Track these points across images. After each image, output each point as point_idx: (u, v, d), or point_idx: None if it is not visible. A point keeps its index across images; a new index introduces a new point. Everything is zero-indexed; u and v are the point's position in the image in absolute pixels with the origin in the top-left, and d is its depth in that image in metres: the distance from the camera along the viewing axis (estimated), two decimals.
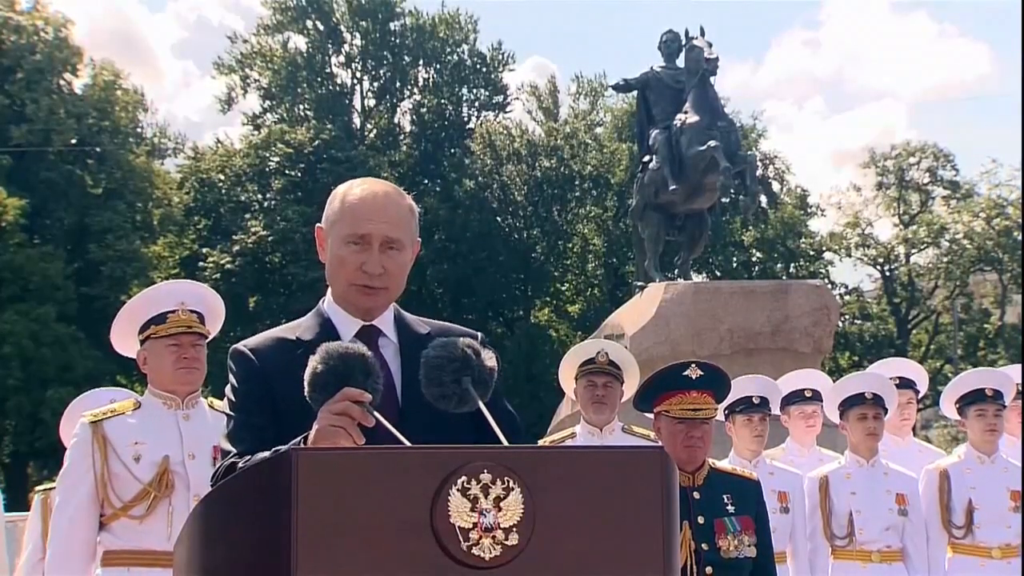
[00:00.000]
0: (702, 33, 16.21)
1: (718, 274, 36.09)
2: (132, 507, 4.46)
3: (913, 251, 39.29)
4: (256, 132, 37.68)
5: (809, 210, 40.00)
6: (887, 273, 39.80)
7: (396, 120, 39.56)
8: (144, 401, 4.67)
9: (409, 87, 39.38)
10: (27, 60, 31.71)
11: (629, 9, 68.71)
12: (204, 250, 34.33)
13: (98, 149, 32.57)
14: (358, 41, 38.65)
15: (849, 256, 39.76)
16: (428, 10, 39.80)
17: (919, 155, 39.83)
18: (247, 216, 34.98)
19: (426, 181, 36.76)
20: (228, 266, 33.27)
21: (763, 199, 33.99)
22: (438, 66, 38.89)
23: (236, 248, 33.60)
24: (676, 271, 17.22)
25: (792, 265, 38.24)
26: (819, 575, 6.04)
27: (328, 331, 2.80)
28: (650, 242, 16.75)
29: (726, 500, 4.37)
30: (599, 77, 39.29)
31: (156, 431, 4.54)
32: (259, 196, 36.26)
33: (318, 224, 2.91)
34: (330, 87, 38.97)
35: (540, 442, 5.59)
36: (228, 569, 2.26)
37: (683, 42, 16.62)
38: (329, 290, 2.89)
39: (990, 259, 37.49)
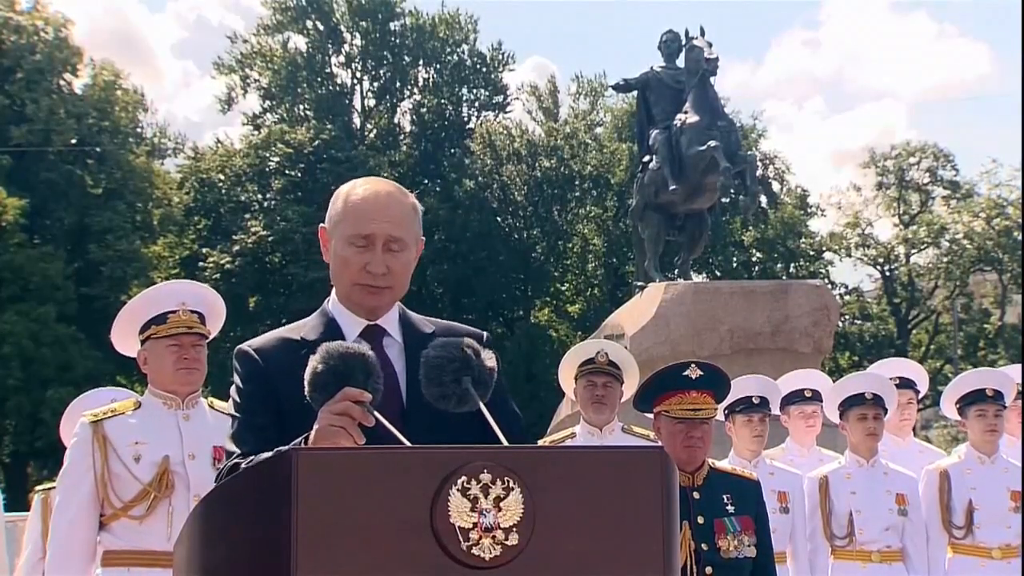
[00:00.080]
0: (702, 33, 16.21)
1: (718, 274, 36.08)
2: (132, 507, 4.46)
3: (913, 251, 39.30)
4: (256, 132, 37.68)
5: (809, 210, 40.01)
6: (887, 273, 39.80)
7: (396, 120, 39.57)
8: (144, 401, 4.67)
9: (409, 87, 39.39)
10: (27, 60, 31.71)
11: (629, 9, 68.74)
12: (204, 250, 34.34)
13: (98, 149, 32.57)
14: (358, 41, 38.65)
15: (849, 256, 39.77)
16: (428, 10, 39.89)
17: (919, 155, 39.83)
18: (247, 216, 34.98)
19: (426, 181, 36.77)
20: (228, 266, 33.27)
21: (763, 199, 34.04)
22: (438, 66, 38.90)
23: (236, 248, 33.61)
24: (676, 271, 17.23)
25: (792, 265, 38.25)
26: (819, 575, 6.04)
27: (332, 331, 2.79)
28: (650, 242, 16.75)
29: (726, 500, 4.38)
30: (599, 77, 39.34)
31: (156, 431, 4.54)
32: (259, 196, 36.27)
33: (321, 224, 2.90)
34: (330, 87, 38.97)
35: (540, 442, 5.59)
36: (228, 569, 2.26)
37: (683, 42, 16.62)
38: (333, 290, 2.89)
39: (990, 259, 37.49)
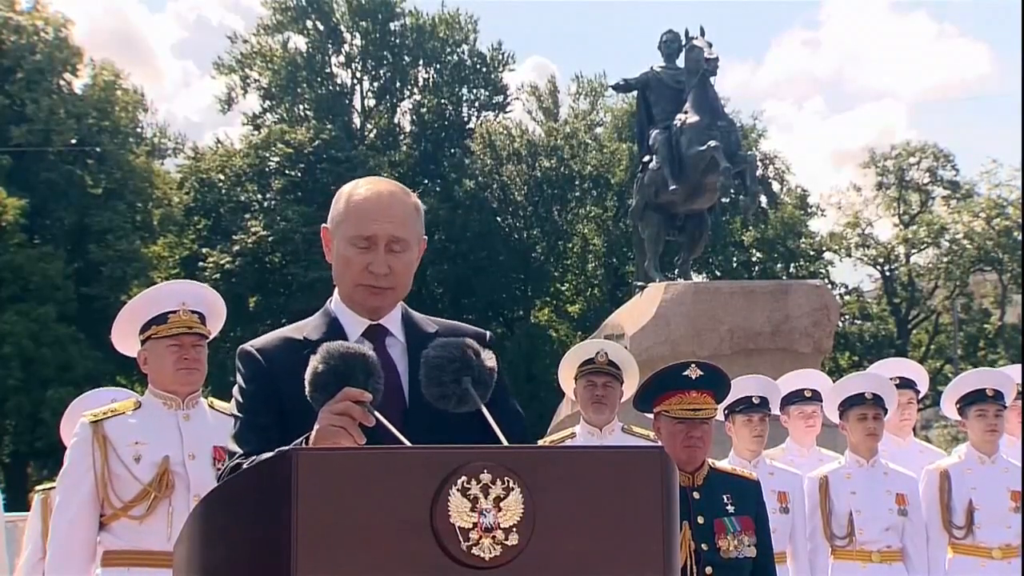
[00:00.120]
0: (702, 33, 16.21)
1: (718, 274, 36.08)
2: (132, 507, 4.45)
3: (913, 251, 39.30)
4: (256, 132, 37.68)
5: (809, 210, 40.01)
6: (887, 273, 39.80)
7: (396, 120, 39.57)
8: (144, 401, 4.67)
9: (409, 87, 39.39)
10: (27, 60, 31.71)
11: (629, 9, 68.75)
12: (204, 250, 34.34)
13: (98, 149, 32.57)
14: (358, 41, 38.66)
15: (849, 256, 39.77)
16: (428, 10, 39.88)
17: (919, 155, 39.83)
18: (247, 216, 34.99)
19: (426, 181, 36.77)
20: (228, 266, 33.27)
21: (763, 199, 34.05)
22: (438, 66, 38.90)
23: (236, 248, 33.61)
24: (676, 271, 17.23)
25: (792, 265, 38.25)
26: (819, 575, 6.04)
27: (335, 331, 2.80)
28: (650, 242, 16.75)
29: (726, 500, 4.38)
30: (599, 77, 39.33)
31: (156, 431, 4.54)
32: (259, 196, 36.27)
33: (324, 224, 2.89)
34: (330, 87, 38.97)
35: (540, 442, 5.59)
36: (228, 569, 2.26)
37: (683, 42, 16.62)
38: (336, 290, 2.89)
39: (990, 259, 37.48)
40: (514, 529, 2.13)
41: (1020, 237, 35.91)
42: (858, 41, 70.51)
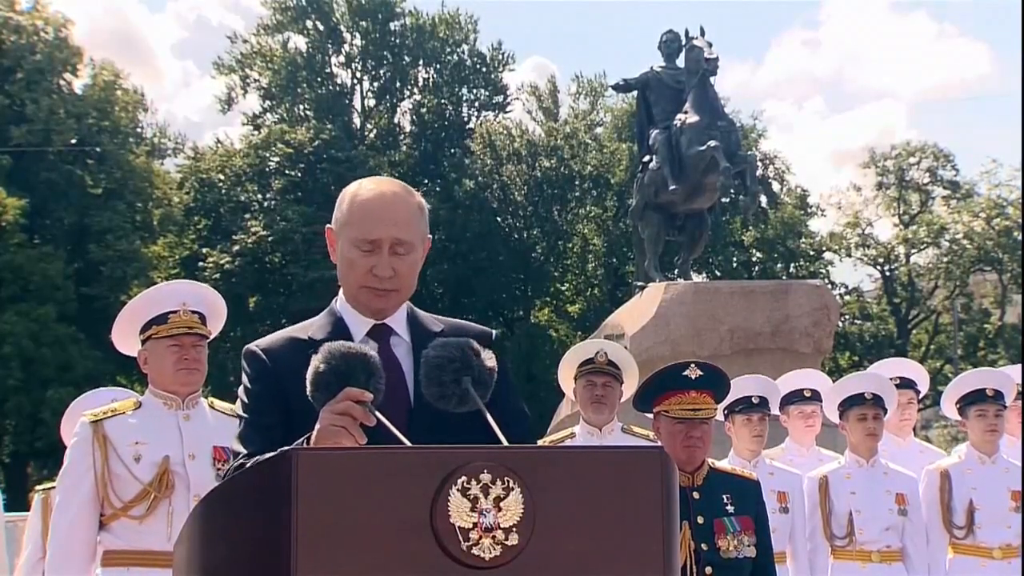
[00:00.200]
0: (702, 33, 16.21)
1: (718, 274, 36.08)
2: (132, 507, 4.45)
3: (913, 251, 39.30)
4: (256, 132, 37.68)
5: (809, 210, 40.01)
6: (887, 273, 39.80)
7: (396, 120, 39.58)
8: (144, 401, 4.67)
9: (409, 87, 39.39)
10: (27, 60, 31.72)
11: (629, 9, 68.75)
12: (204, 250, 34.34)
13: (98, 149, 32.57)
14: (358, 41, 38.66)
15: (849, 256, 39.78)
16: (428, 10, 39.88)
17: (919, 155, 39.83)
18: (247, 216, 34.99)
19: (426, 181, 36.77)
20: (228, 266, 33.26)
21: (763, 199, 34.05)
22: (438, 66, 38.90)
23: (236, 248, 33.61)
24: (676, 271, 17.23)
25: (792, 265, 38.25)
26: (819, 575, 6.04)
27: (340, 330, 2.80)
28: (650, 242, 16.76)
29: (726, 500, 4.37)
30: (599, 77, 39.33)
31: (156, 431, 4.54)
32: (259, 196, 36.27)
33: (328, 225, 2.89)
34: (330, 87, 38.97)
35: (540, 442, 5.59)
36: (228, 569, 2.26)
37: (683, 42, 16.62)
38: (341, 289, 2.89)
39: (990, 259, 37.48)
40: (514, 529, 2.13)
41: (1020, 237, 35.91)
42: (858, 41, 70.55)
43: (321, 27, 38.44)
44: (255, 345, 2.82)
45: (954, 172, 39.86)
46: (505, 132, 37.68)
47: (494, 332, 2.91)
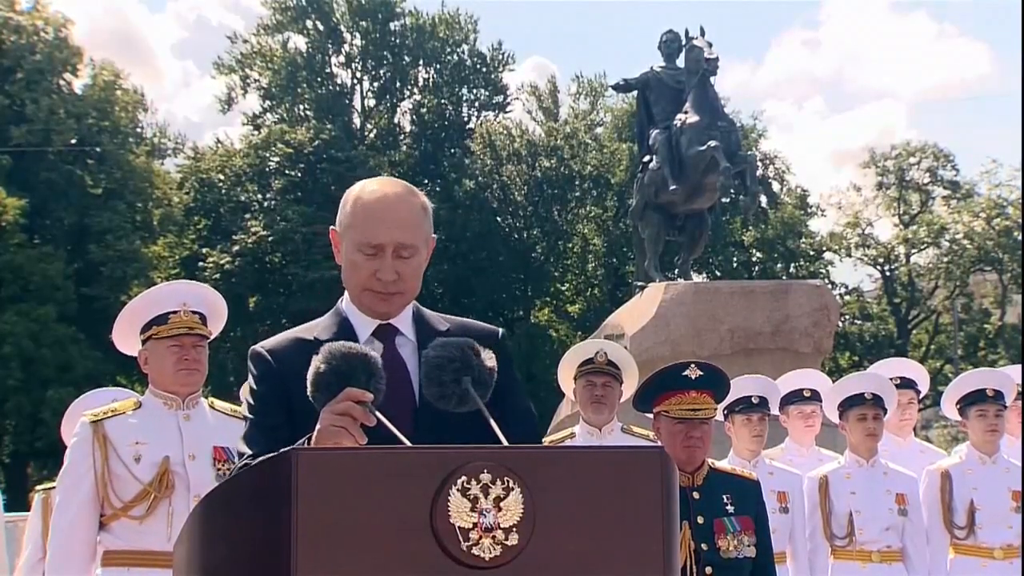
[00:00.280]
0: (702, 33, 16.21)
1: (718, 274, 36.09)
2: (132, 507, 4.45)
3: (913, 251, 39.30)
4: (256, 132, 37.68)
5: (809, 210, 40.01)
6: (887, 273, 39.80)
7: (396, 120, 39.58)
8: (145, 401, 4.67)
9: (409, 87, 39.40)
10: (27, 60, 31.72)
11: (629, 9, 68.75)
12: (204, 250, 34.34)
13: (98, 149, 32.57)
14: (358, 41, 38.66)
15: (849, 256, 39.78)
16: (428, 10, 39.88)
17: (919, 155, 39.84)
18: (247, 216, 34.99)
19: (426, 181, 36.77)
20: (228, 266, 33.26)
21: (763, 199, 34.05)
22: (438, 66, 38.90)
23: (236, 248, 33.61)
24: (676, 271, 17.24)
25: (792, 265, 38.25)
26: (819, 575, 6.04)
27: (346, 330, 2.79)
28: (650, 242, 16.76)
29: (726, 500, 4.37)
30: (599, 77, 39.33)
31: (157, 431, 4.54)
32: (259, 196, 36.27)
33: (332, 226, 2.88)
34: (330, 87, 38.98)
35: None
36: (228, 569, 2.26)
37: (683, 42, 16.62)
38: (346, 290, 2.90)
39: (990, 259, 37.49)
40: (514, 529, 2.13)
41: (1020, 237, 35.91)
42: (858, 41, 70.54)
43: (321, 27, 38.45)
44: (261, 346, 2.82)
45: (954, 172, 39.91)
46: (505, 132, 37.68)
47: (501, 331, 2.90)
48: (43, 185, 31.17)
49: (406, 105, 39.44)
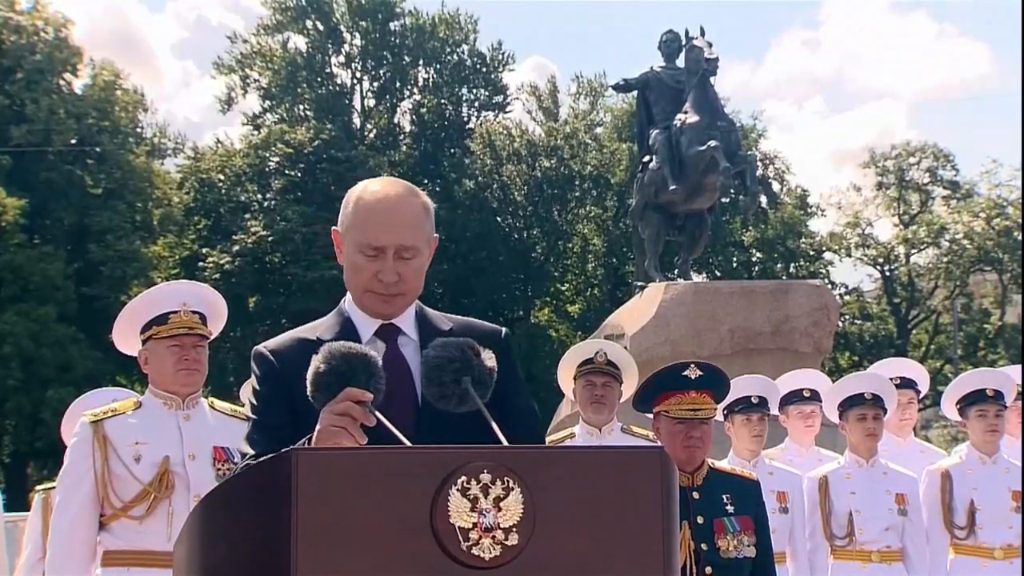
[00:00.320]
0: (702, 33, 16.22)
1: (718, 274, 36.10)
2: (132, 507, 4.45)
3: (913, 251, 39.31)
4: (256, 132, 37.69)
5: (809, 210, 40.02)
6: (887, 273, 39.81)
7: (396, 120, 39.59)
8: (145, 401, 4.66)
9: (409, 87, 39.40)
10: (27, 60, 31.72)
11: (629, 9, 68.75)
12: (204, 250, 34.34)
13: (98, 149, 32.58)
14: (358, 41, 38.66)
15: (849, 256, 39.79)
16: (428, 10, 39.88)
17: (919, 155, 39.84)
18: (247, 216, 34.99)
19: (426, 181, 36.77)
20: (228, 266, 33.27)
21: (763, 199, 34.05)
22: (438, 66, 38.91)
23: (236, 248, 33.61)
24: (676, 271, 17.24)
25: (792, 265, 38.26)
26: (819, 575, 6.04)
27: (348, 330, 2.79)
28: (650, 242, 16.76)
29: (725, 500, 4.37)
30: (599, 77, 39.35)
31: (157, 431, 4.54)
32: (259, 196, 36.27)
33: (334, 227, 2.88)
34: (330, 87, 38.98)
35: None
36: (228, 569, 2.26)
37: (683, 42, 16.63)
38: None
39: (990, 259, 37.49)
40: (514, 529, 2.13)
41: (1020, 237, 35.91)
42: (858, 41, 70.53)
43: (321, 27, 38.45)
44: (263, 346, 2.82)
45: (954, 172, 39.92)
46: (505, 132, 37.69)
47: (504, 330, 2.90)
48: (43, 185, 31.18)
49: (406, 105, 39.48)
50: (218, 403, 4.75)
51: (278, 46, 38.83)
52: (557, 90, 40.10)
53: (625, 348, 7.37)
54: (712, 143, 15.29)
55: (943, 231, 38.13)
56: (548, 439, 6.56)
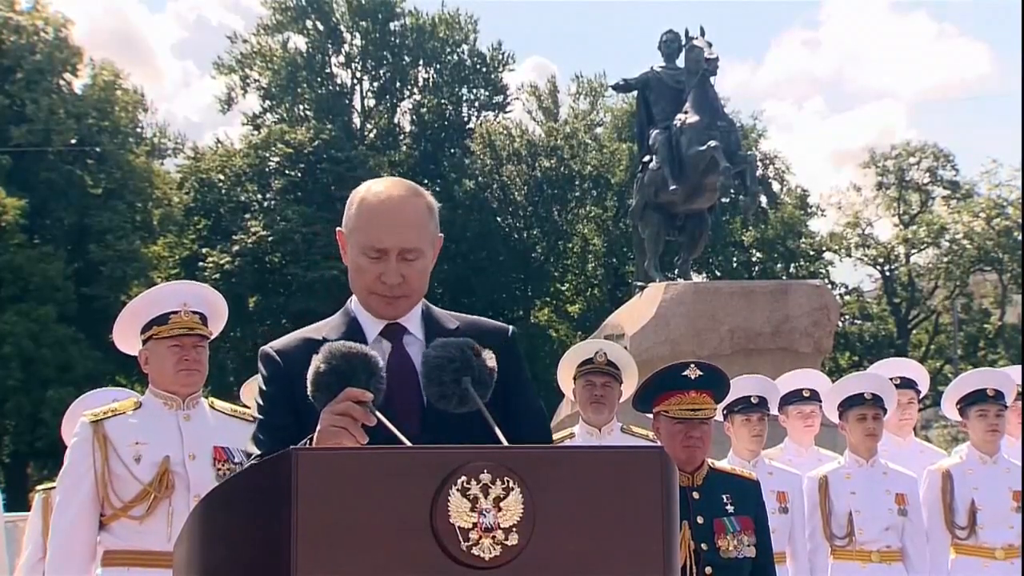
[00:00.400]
0: (702, 33, 16.22)
1: (718, 274, 36.10)
2: (132, 507, 4.45)
3: (913, 251, 39.30)
4: (256, 132, 37.68)
5: (809, 210, 40.02)
6: (887, 273, 39.80)
7: (396, 120, 39.59)
8: (145, 401, 4.66)
9: (409, 87, 39.40)
10: (27, 60, 31.72)
11: (629, 9, 68.74)
12: (204, 250, 34.34)
13: (98, 149, 32.57)
14: (358, 41, 38.66)
15: (849, 256, 39.78)
16: (428, 10, 39.90)
17: (919, 155, 39.84)
18: (247, 216, 34.98)
19: (426, 181, 36.71)
20: (228, 266, 33.26)
21: (763, 199, 34.05)
22: (438, 66, 38.91)
23: (236, 248, 33.60)
24: (676, 271, 17.24)
25: (792, 265, 38.26)
26: (819, 575, 6.04)
27: (354, 330, 2.80)
28: (650, 242, 16.77)
29: (725, 500, 4.37)
30: (599, 77, 39.35)
31: (157, 431, 4.54)
32: (259, 196, 36.27)
33: (338, 227, 2.88)
34: (330, 87, 38.98)
35: None
36: (228, 569, 2.26)
37: (683, 42, 16.64)
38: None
39: (990, 259, 37.48)
40: (514, 529, 2.13)
41: (1020, 237, 35.91)
42: (858, 41, 70.52)
43: (321, 27, 38.45)
44: (270, 347, 2.83)
45: (954, 172, 39.91)
46: (505, 132, 37.69)
47: (511, 329, 2.90)
48: (43, 185, 31.18)
49: (406, 105, 39.48)
50: (218, 403, 4.75)
51: (278, 46, 38.83)
52: (557, 90, 40.13)
53: (625, 348, 7.37)
54: (712, 143, 15.30)
55: (943, 231, 38.13)
56: None
